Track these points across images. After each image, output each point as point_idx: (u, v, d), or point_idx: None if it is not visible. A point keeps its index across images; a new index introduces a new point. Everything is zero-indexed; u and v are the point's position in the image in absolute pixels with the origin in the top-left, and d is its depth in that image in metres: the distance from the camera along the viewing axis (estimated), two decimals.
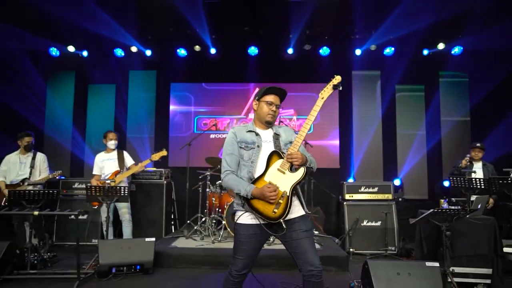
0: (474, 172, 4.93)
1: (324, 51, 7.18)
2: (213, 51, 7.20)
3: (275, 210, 2.22)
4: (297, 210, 2.33)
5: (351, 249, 5.06)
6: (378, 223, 5.18)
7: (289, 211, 2.22)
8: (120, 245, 4.03)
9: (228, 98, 7.67)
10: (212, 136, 7.53)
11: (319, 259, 2.23)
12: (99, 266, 3.80)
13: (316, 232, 5.49)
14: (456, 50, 6.97)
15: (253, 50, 7.21)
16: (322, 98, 2.40)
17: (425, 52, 7.10)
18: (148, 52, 7.29)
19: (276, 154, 2.33)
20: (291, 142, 2.42)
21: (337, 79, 2.40)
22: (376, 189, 5.36)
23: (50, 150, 7.05)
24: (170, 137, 7.64)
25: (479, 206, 3.92)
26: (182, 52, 7.29)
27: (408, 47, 7.03)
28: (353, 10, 6.55)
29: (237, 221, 2.34)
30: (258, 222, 2.26)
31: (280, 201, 2.21)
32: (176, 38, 7.18)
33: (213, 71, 7.56)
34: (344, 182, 5.50)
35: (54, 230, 5.51)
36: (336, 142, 7.42)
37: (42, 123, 7.63)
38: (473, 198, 4.61)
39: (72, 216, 5.31)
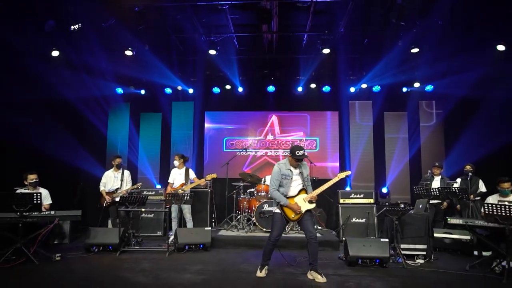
0: (429, 183, 6.95)
1: (326, 88, 9.31)
2: (240, 89, 9.40)
3: (293, 216, 4.45)
4: (307, 209, 4.47)
5: (343, 238, 7.05)
6: (363, 220, 7.21)
7: (300, 219, 4.43)
8: (190, 232, 6.23)
9: (250, 123, 9.84)
10: (238, 153, 9.60)
11: (315, 231, 4.38)
12: (178, 244, 5.94)
13: (319, 228, 7.57)
14: (428, 87, 9.01)
15: (271, 88, 9.37)
16: (338, 177, 4.61)
17: (404, 89, 9.19)
18: (191, 90, 9.52)
19: (304, 190, 4.54)
20: (307, 176, 4.58)
21: (348, 173, 4.72)
22: (362, 196, 7.41)
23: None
24: (204, 152, 9.81)
25: (420, 206, 5.93)
26: (216, 89, 9.50)
27: (391, 86, 9.10)
28: (348, 60, 8.68)
29: (274, 211, 4.54)
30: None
31: (297, 213, 4.39)
32: (211, 79, 9.41)
33: (239, 102, 9.74)
34: (339, 191, 7.58)
35: (130, 225, 7.65)
36: (337, 163, 9.49)
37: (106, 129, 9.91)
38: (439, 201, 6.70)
39: (144, 214, 7.52)
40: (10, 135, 6.72)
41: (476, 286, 4.35)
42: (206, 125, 9.90)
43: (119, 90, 9.51)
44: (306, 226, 4.48)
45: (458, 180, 6.81)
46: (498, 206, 4.67)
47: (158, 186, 9.16)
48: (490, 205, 4.77)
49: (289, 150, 4.54)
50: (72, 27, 5.77)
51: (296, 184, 4.56)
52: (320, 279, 4.34)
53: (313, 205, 4.53)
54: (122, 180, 7.06)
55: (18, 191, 5.60)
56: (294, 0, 6.04)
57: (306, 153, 4.49)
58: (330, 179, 4.65)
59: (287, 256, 5.34)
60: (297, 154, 4.39)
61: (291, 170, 4.54)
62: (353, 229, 7.20)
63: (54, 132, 7.93)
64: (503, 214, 4.60)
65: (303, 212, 4.45)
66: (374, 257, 5.05)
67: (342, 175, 4.65)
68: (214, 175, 7.04)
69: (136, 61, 7.87)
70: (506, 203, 4.77)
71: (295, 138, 9.70)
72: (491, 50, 6.37)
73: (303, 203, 4.48)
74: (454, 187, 6.50)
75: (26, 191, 5.67)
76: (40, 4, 5.48)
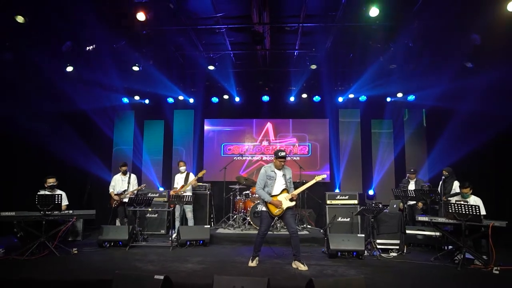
0: (407, 186, 7.70)
1: (316, 98, 10.09)
2: (237, 99, 10.17)
3: (276, 212, 5.20)
4: (288, 206, 5.22)
5: None
6: (348, 219, 7.95)
7: (282, 215, 5.17)
8: (191, 229, 6.99)
9: (247, 130, 10.60)
10: (235, 158, 10.32)
11: (296, 227, 5.15)
12: (180, 240, 6.69)
13: (308, 226, 8.33)
14: (410, 97, 9.79)
15: (265, 98, 10.15)
16: (315, 179, 5.41)
17: (388, 99, 9.97)
18: (191, 100, 10.29)
19: (285, 190, 5.29)
20: (290, 178, 5.35)
21: (323, 176, 5.44)
22: (347, 197, 8.15)
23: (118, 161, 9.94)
24: (204, 157, 10.57)
25: (394, 206, 6.69)
26: (214, 99, 10.27)
27: (376, 96, 9.87)
28: (336, 73, 9.46)
29: (262, 210, 5.30)
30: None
31: (279, 209, 5.14)
32: (210, 90, 10.18)
33: (236, 111, 10.50)
34: (326, 193, 8.33)
35: (136, 223, 8.38)
36: (327, 167, 10.23)
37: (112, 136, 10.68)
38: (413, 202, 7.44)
39: (149, 213, 8.26)
40: (30, 141, 7.49)
41: (435, 273, 5.09)
42: (206, 131, 10.66)
43: (125, 100, 10.27)
44: (288, 222, 5.25)
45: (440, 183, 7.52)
46: (456, 205, 5.44)
47: (161, 189, 9.89)
48: (451, 204, 5.54)
49: (273, 154, 5.46)
50: (87, 47, 6.55)
51: (279, 185, 5.32)
52: (302, 267, 5.10)
53: (293, 203, 5.29)
54: (129, 183, 7.81)
55: (41, 192, 6.35)
56: (283, 24, 6.83)
57: (287, 155, 5.40)
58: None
59: (276, 250, 6.09)
60: (280, 155, 5.26)
61: (275, 172, 5.34)
62: (339, 228, 7.91)
63: (67, 138, 8.70)
64: (460, 212, 5.36)
65: (284, 208, 5.20)
66: (352, 250, 5.81)
67: (319, 178, 5.45)
68: (204, 171, 7.83)
69: (141, 74, 8.61)
70: (462, 202, 5.53)
71: (288, 144, 10.46)
72: (460, 66, 7.15)
73: (284, 201, 5.25)
74: (426, 189, 7.23)
75: (48, 193, 6.42)
76: (61, 28, 6.25)
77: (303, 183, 5.67)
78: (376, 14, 5.60)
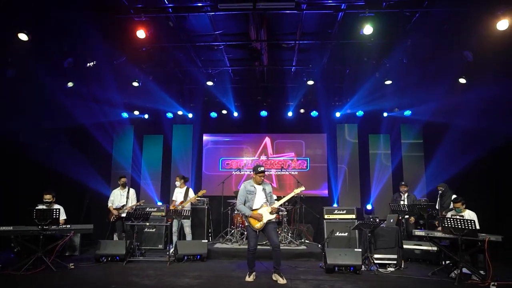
0: (402, 199, 7.73)
1: (314, 113, 10.20)
2: (235, 114, 10.28)
3: (257, 225, 5.24)
4: (269, 219, 5.27)
5: None
6: (346, 234, 7.94)
7: (263, 228, 5.22)
8: (189, 244, 6.97)
9: (245, 145, 10.68)
10: (233, 172, 10.37)
11: (279, 240, 5.32)
12: (177, 255, 6.67)
13: (306, 241, 8.31)
14: (407, 112, 9.89)
15: (263, 113, 10.25)
16: (294, 192, 5.49)
17: (385, 114, 10.08)
18: (190, 115, 10.40)
19: (265, 203, 5.35)
20: (270, 192, 5.43)
21: (302, 189, 5.53)
22: (344, 212, 8.16)
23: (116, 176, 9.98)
24: (202, 171, 10.61)
25: (391, 221, 6.70)
26: (213, 114, 10.38)
27: (373, 111, 9.99)
28: (333, 88, 9.59)
29: (246, 225, 5.37)
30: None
31: (260, 223, 5.20)
32: (209, 105, 10.30)
33: (235, 126, 10.60)
34: (324, 207, 8.34)
35: (134, 238, 8.35)
36: (325, 181, 10.24)
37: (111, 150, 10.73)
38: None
39: (146, 228, 8.26)
40: (30, 155, 7.57)
41: None
42: (204, 146, 10.74)
43: (125, 115, 10.38)
44: (270, 236, 5.29)
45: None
46: (452, 219, 5.46)
47: (159, 203, 9.90)
48: (447, 218, 5.56)
49: (252, 170, 5.57)
50: (88, 64, 6.69)
51: (259, 199, 5.41)
52: (281, 280, 5.17)
53: (274, 216, 5.36)
54: (127, 198, 7.83)
55: (39, 207, 6.37)
56: (280, 41, 6.99)
57: (265, 169, 5.55)
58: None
59: (268, 266, 6.09)
60: (259, 170, 5.41)
61: (254, 187, 5.44)
62: (337, 242, 7.90)
63: (66, 152, 8.78)
64: (456, 226, 5.38)
65: (264, 221, 5.26)
66: (349, 265, 5.80)
67: (297, 190, 5.55)
68: (204, 191, 7.78)
69: (141, 90, 8.74)
70: (458, 217, 5.56)
71: (286, 159, 10.52)
72: (454, 82, 7.29)
73: (265, 214, 5.31)
74: (424, 204, 7.27)
75: (46, 207, 6.43)
76: (62, 45, 6.40)
77: (302, 198, 5.72)
78: (370, 32, 5.74)
